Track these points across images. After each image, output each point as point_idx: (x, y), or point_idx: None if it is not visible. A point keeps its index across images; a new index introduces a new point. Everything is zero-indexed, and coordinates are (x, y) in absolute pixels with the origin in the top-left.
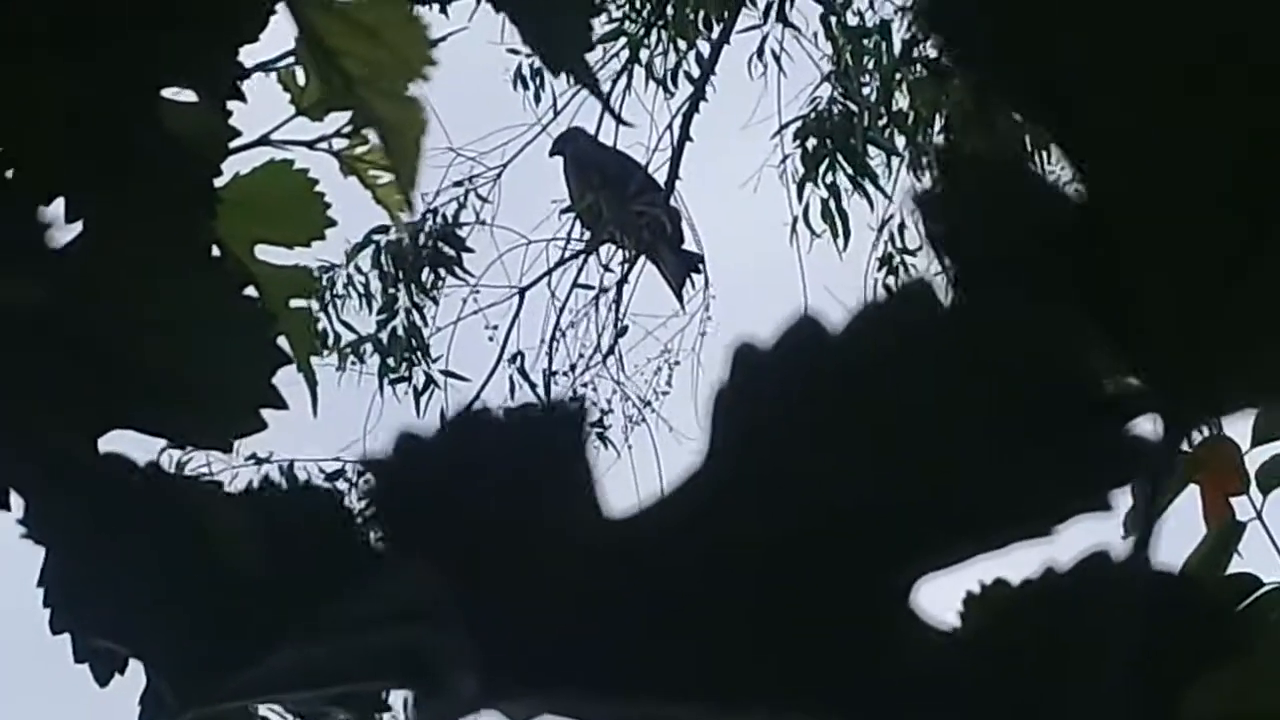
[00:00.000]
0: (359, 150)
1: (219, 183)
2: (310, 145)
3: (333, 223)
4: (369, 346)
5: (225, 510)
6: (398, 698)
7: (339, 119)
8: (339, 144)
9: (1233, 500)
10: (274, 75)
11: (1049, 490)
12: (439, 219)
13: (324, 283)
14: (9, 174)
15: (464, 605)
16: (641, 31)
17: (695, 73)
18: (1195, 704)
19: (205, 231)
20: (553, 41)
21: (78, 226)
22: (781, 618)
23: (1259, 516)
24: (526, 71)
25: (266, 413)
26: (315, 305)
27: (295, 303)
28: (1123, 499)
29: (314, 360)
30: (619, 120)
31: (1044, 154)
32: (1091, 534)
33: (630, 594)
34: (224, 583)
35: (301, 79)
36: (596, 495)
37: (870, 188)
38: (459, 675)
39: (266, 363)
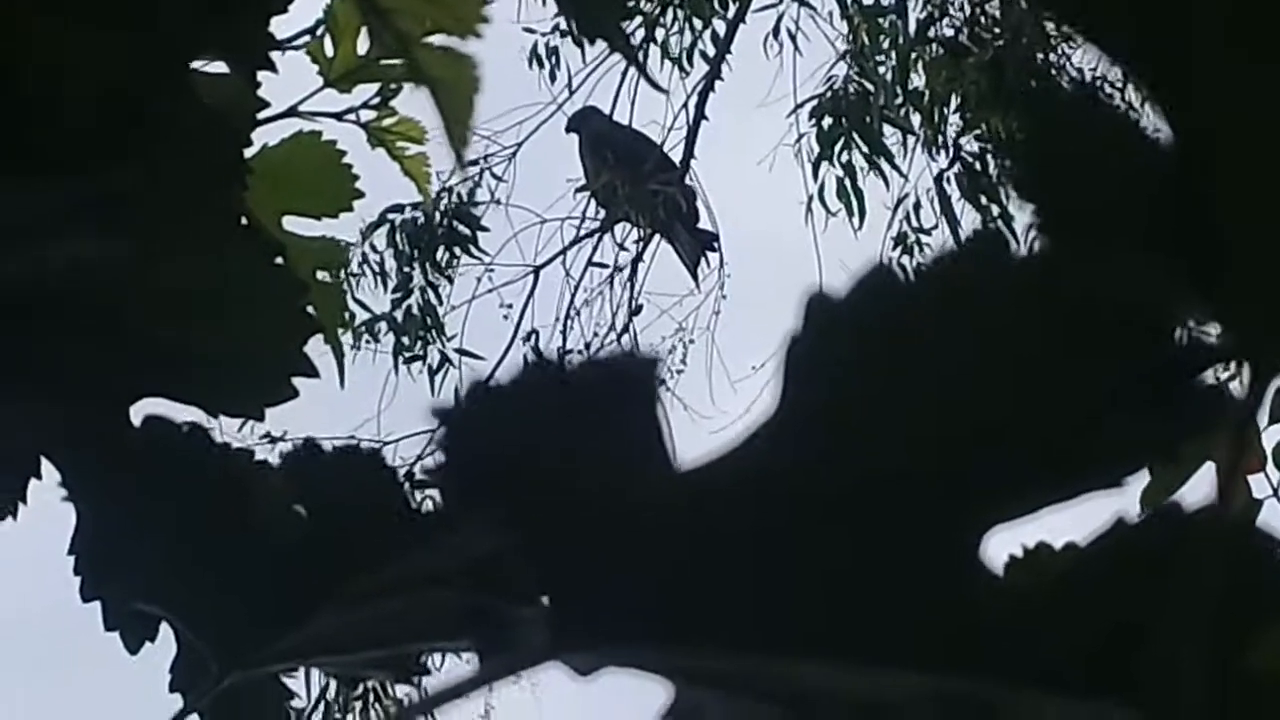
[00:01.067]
0: (386, 122)
1: (247, 154)
2: (338, 117)
3: (360, 194)
4: (384, 325)
5: (267, 474)
6: (435, 660)
7: (367, 90)
8: (366, 115)
9: (1250, 478)
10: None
11: (1126, 439)
12: (454, 197)
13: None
14: (42, 144)
15: (532, 556)
16: (657, 10)
17: (711, 51)
18: (1263, 655)
19: (236, 202)
20: (587, 7)
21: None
22: (851, 568)
23: (1276, 494)
24: (542, 50)
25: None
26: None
27: (322, 274)
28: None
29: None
30: (654, 85)
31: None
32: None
33: (700, 544)
34: (265, 546)
35: (330, 50)
36: (667, 445)
37: (886, 166)
38: (526, 627)
39: (298, 331)
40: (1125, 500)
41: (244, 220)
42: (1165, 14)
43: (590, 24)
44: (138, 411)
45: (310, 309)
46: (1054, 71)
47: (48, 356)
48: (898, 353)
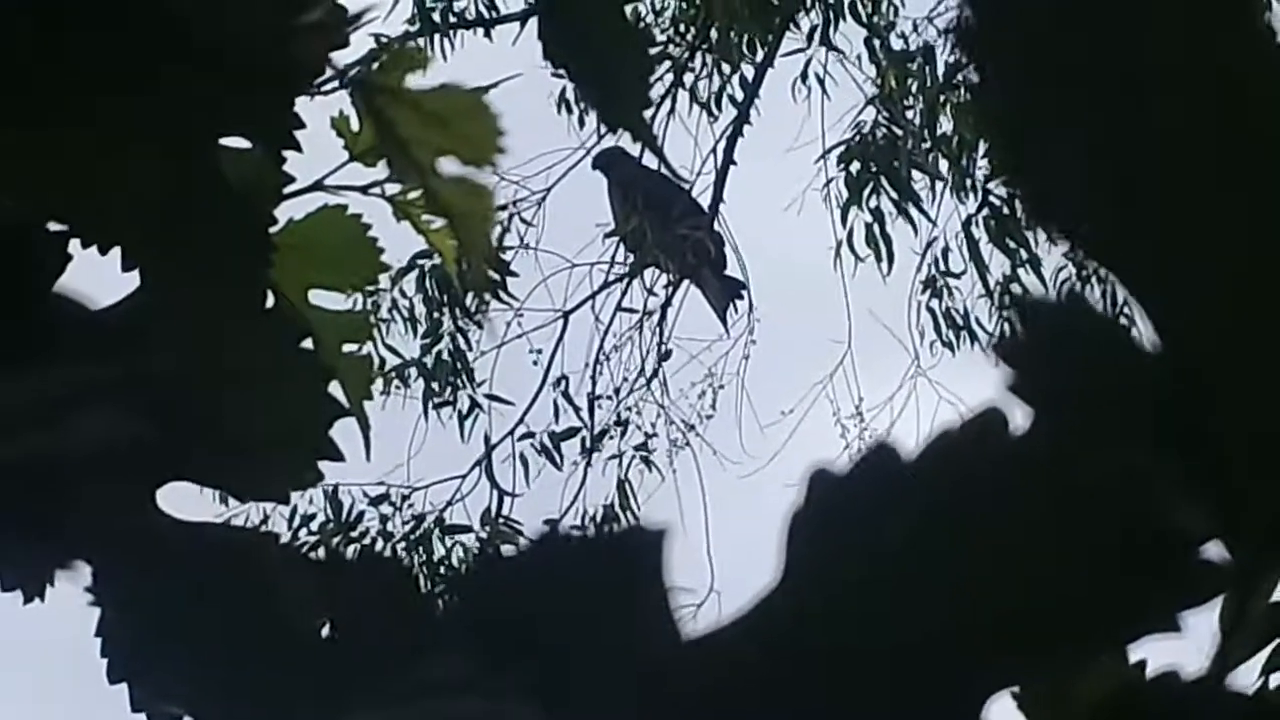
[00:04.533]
0: (412, 195)
1: (273, 229)
2: (364, 190)
3: (386, 267)
4: (413, 371)
5: (294, 573)
6: None
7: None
8: (392, 189)
9: None
10: (327, 119)
11: (1120, 611)
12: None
13: (369, 307)
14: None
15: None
16: (686, 55)
17: (739, 96)
18: None
19: (262, 280)
20: (611, 100)
21: (134, 278)
22: None
23: None
24: (571, 96)
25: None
26: (369, 349)
27: (348, 347)
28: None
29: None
30: (674, 175)
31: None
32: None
33: (703, 713)
34: (290, 647)
35: (355, 124)
36: (674, 616)
37: (914, 212)
38: None
39: (324, 415)
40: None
41: (270, 299)
42: (1141, 216)
43: (613, 116)
44: (163, 496)
45: (336, 390)
46: None
47: (72, 444)
48: (898, 527)
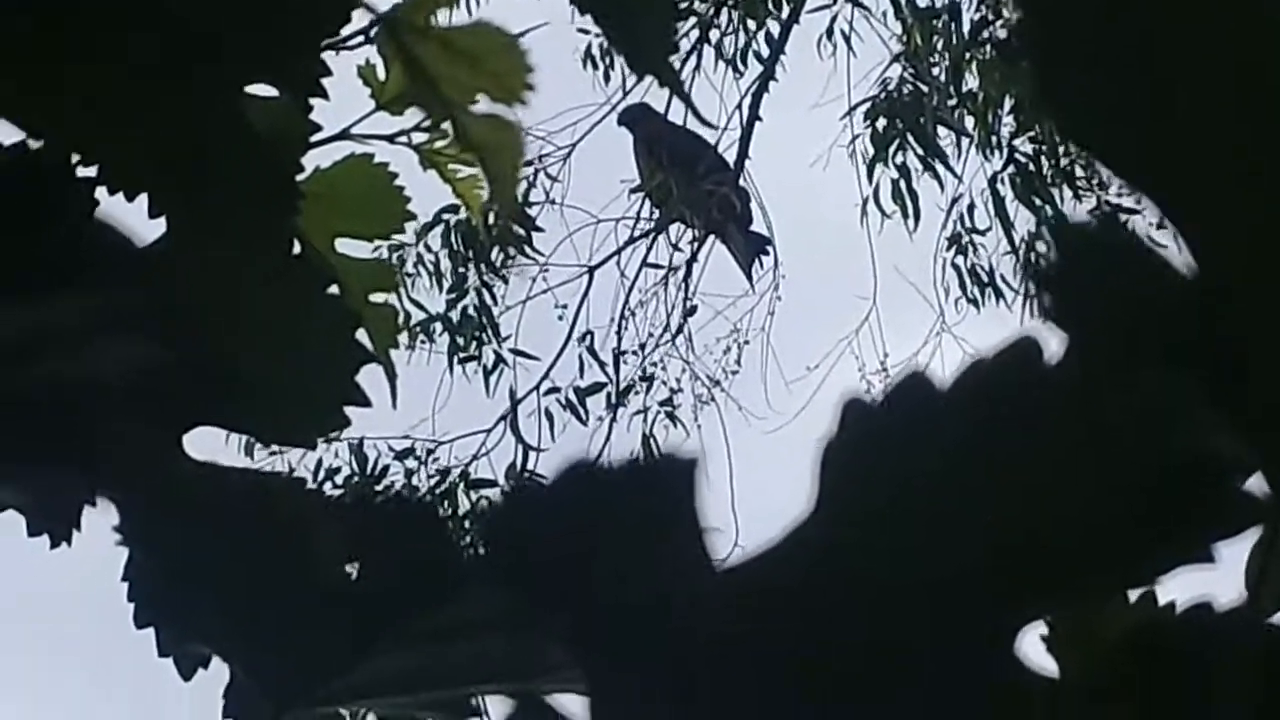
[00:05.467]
0: (439, 144)
1: (300, 178)
2: (390, 139)
3: (412, 216)
4: (438, 325)
5: (323, 517)
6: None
7: (419, 113)
8: (419, 138)
9: None
10: (354, 68)
11: (1153, 542)
12: (499, 223)
13: (394, 262)
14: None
15: (575, 654)
16: (711, 11)
17: (765, 52)
18: None
19: (288, 228)
20: (637, 44)
21: (161, 224)
22: (889, 667)
23: None
24: (596, 51)
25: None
26: (394, 298)
27: (375, 296)
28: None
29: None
30: (702, 120)
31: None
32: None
33: (736, 643)
34: (320, 589)
35: (381, 73)
36: (706, 545)
37: (940, 168)
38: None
39: (350, 360)
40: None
41: (297, 247)
42: (1176, 135)
43: (640, 60)
44: (190, 440)
45: (363, 337)
46: None
47: (101, 387)
48: (931, 457)
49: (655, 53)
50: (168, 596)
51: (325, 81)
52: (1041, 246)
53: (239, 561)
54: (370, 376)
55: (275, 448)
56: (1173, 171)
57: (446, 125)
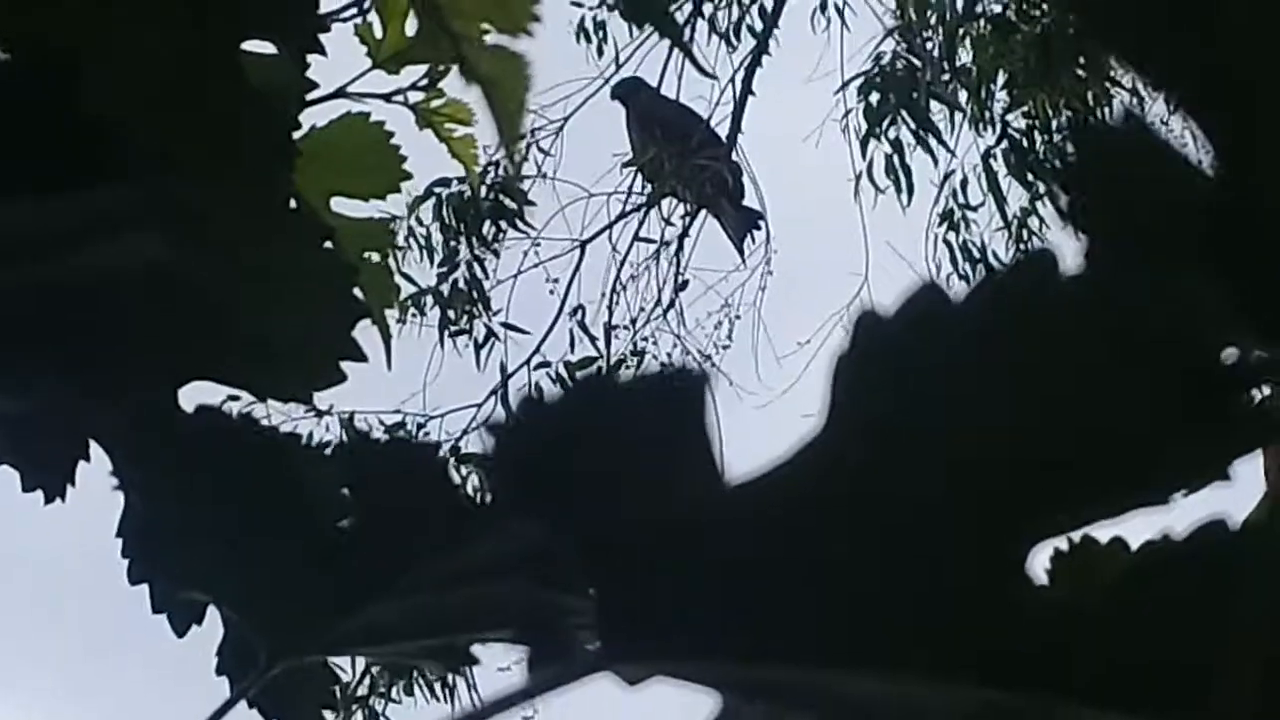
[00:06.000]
0: (435, 104)
1: (296, 135)
2: (386, 98)
3: (408, 176)
4: (430, 299)
5: (319, 463)
6: (485, 652)
7: (415, 72)
8: (415, 97)
9: None
10: (350, 27)
11: (1173, 458)
12: (500, 171)
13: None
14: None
15: (584, 568)
16: None
17: (758, 26)
18: None
19: (284, 182)
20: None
21: None
22: (900, 583)
23: None
24: (589, 24)
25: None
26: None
27: (370, 255)
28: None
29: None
30: (703, 71)
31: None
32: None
33: (748, 558)
34: (316, 535)
35: (378, 32)
36: (717, 460)
37: (933, 143)
38: (575, 630)
39: (347, 315)
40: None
41: (293, 202)
42: (1201, 35)
43: (638, 9)
44: (186, 395)
45: (359, 292)
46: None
47: (96, 339)
48: (945, 371)
49: (656, 1)
50: (163, 547)
51: (322, 39)
52: (1067, 147)
53: (236, 510)
54: (364, 339)
55: (268, 408)
56: (1197, 67)
57: (449, 74)
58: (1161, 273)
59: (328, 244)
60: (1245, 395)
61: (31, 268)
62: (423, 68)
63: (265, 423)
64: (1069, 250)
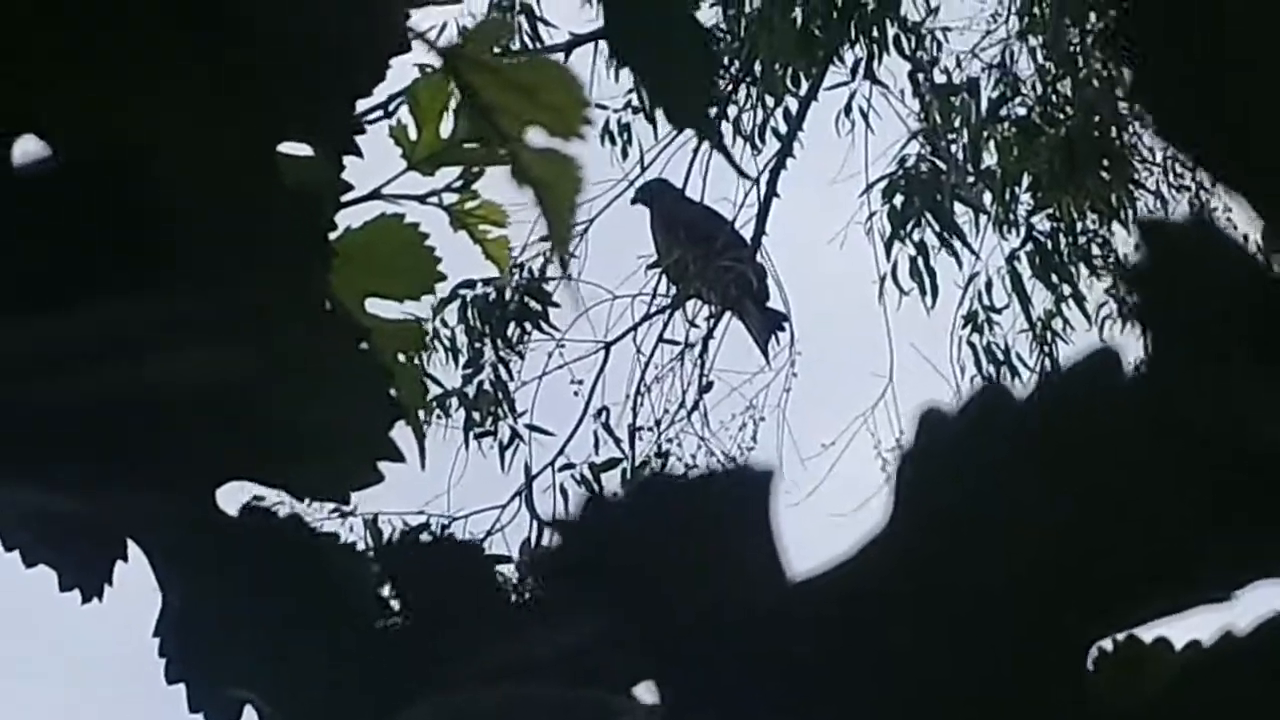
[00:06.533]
0: (469, 205)
1: (332, 236)
2: (421, 200)
3: (443, 277)
4: (455, 400)
5: (357, 562)
6: None
7: (449, 174)
8: (449, 198)
9: None
10: (384, 127)
11: (1234, 554)
12: (525, 273)
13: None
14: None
15: (647, 663)
16: (730, 87)
17: (783, 128)
18: None
19: (321, 285)
20: (676, 96)
21: None
22: (963, 679)
23: None
24: (614, 127)
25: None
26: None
27: (402, 357)
28: None
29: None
30: (741, 173)
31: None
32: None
33: (812, 653)
34: (360, 635)
35: (413, 133)
36: (780, 557)
37: (958, 245)
38: None
39: (384, 416)
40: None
41: (328, 303)
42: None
43: (680, 115)
44: (224, 496)
45: (394, 393)
46: (1127, 152)
47: (136, 439)
48: (1009, 468)
49: (694, 108)
50: (203, 646)
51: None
52: (1131, 246)
53: (279, 608)
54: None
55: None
56: (1263, 165)
57: (483, 176)
58: (1224, 370)
59: (364, 345)
60: None
61: (73, 374)
62: (457, 169)
63: (310, 522)
64: (1131, 347)
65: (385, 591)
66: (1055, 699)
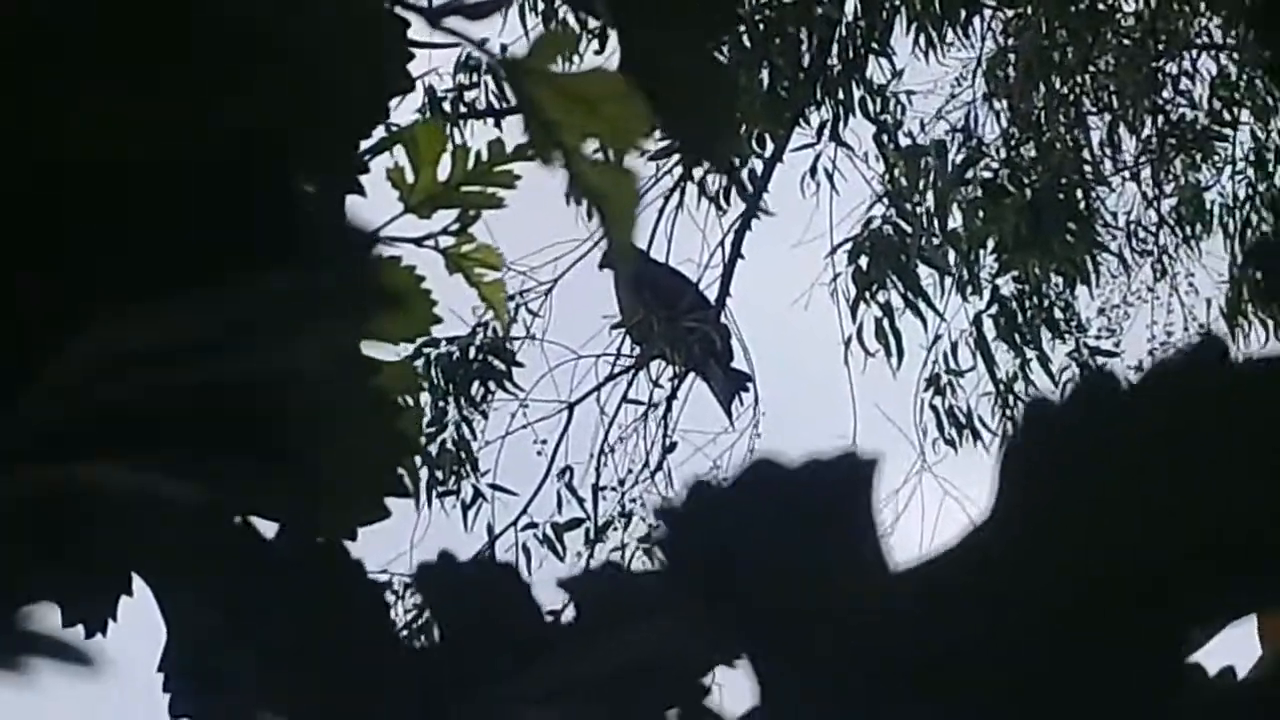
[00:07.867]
0: (465, 248)
1: None
2: (418, 243)
3: (439, 320)
4: (417, 459)
5: (375, 587)
6: None
7: (446, 216)
8: (445, 242)
9: None
10: (380, 170)
11: None
12: (489, 332)
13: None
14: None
15: (748, 650)
16: None
17: (748, 189)
18: None
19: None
20: (699, 135)
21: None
22: (1066, 674)
23: None
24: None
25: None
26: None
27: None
28: None
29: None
30: (759, 208)
31: None
32: None
33: (914, 646)
34: (398, 658)
35: (410, 176)
36: (882, 545)
37: (923, 307)
38: None
39: (394, 451)
40: None
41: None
42: None
43: (701, 150)
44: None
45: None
46: (1092, 215)
47: (143, 467)
48: (1113, 458)
49: (720, 143)
50: (220, 670)
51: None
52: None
53: (313, 631)
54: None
55: None
56: None
57: (478, 220)
58: None
59: (375, 380)
60: None
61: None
62: (453, 213)
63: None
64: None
65: (415, 616)
66: (1156, 691)
